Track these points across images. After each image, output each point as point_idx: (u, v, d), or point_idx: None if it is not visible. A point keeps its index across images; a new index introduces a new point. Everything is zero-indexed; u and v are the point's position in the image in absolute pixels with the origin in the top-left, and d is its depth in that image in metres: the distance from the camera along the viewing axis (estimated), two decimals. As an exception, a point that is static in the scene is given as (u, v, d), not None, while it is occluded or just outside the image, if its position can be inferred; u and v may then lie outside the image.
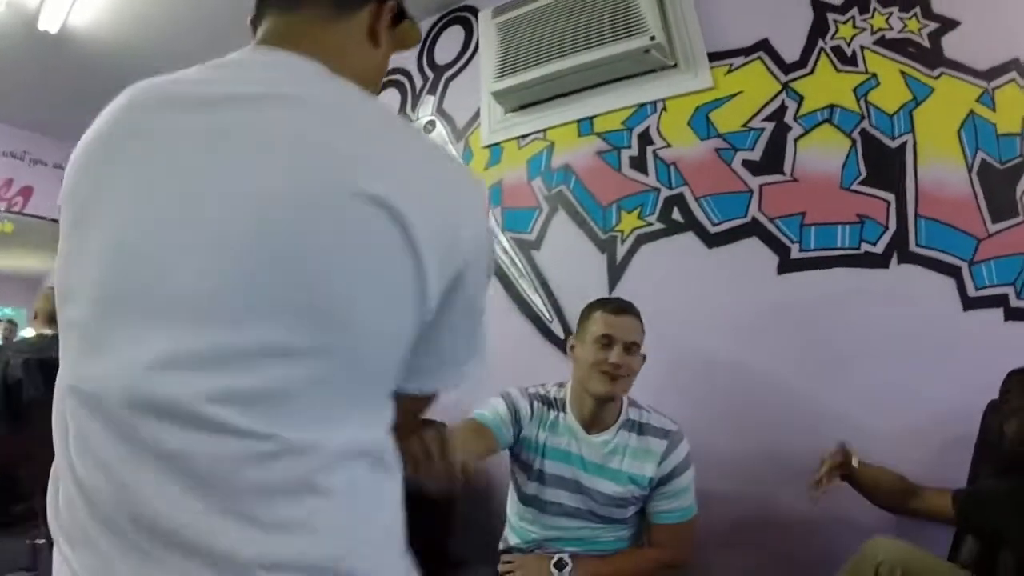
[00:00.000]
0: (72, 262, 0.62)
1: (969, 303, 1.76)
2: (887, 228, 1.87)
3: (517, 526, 1.80)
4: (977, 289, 1.77)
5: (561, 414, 1.76)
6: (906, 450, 1.71)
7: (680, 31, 2.10)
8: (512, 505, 1.83)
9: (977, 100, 1.81)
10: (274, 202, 0.56)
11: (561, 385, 1.80)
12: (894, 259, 1.85)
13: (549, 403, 1.77)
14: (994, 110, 1.79)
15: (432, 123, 2.59)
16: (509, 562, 1.69)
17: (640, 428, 1.73)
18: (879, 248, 1.87)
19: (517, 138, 2.40)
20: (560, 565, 1.63)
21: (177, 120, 0.62)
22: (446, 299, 0.62)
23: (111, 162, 0.63)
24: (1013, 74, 1.78)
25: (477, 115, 2.51)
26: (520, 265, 2.33)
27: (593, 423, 1.72)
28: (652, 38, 2.01)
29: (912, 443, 1.72)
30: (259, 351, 0.54)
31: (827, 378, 1.88)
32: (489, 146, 2.45)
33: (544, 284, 2.30)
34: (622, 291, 2.13)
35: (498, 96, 2.31)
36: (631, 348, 1.64)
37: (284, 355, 0.55)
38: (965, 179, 1.81)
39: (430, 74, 2.69)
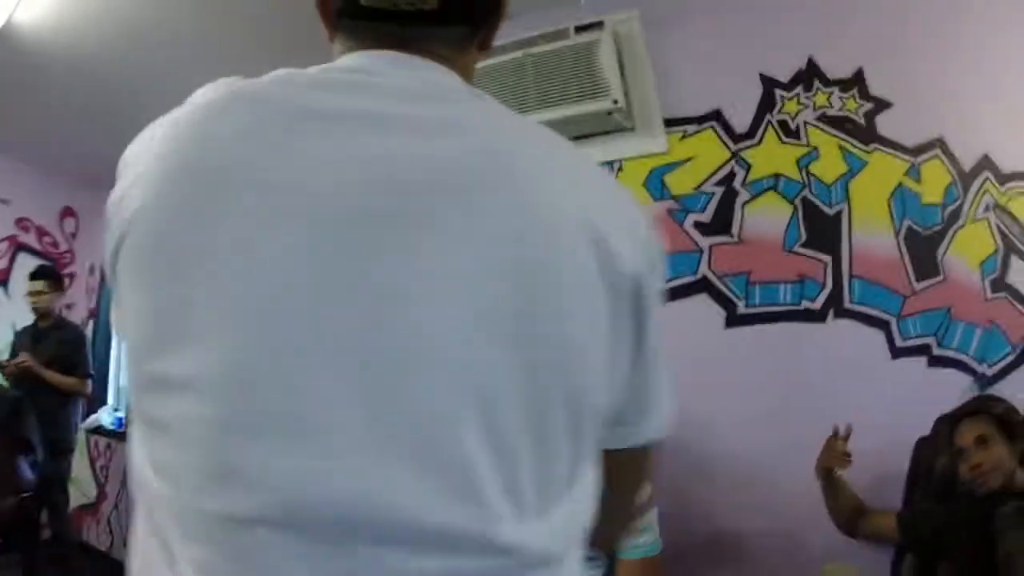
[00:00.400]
0: (176, 326, 0.46)
1: (897, 352, 1.95)
2: (824, 286, 2.04)
3: None
4: (903, 340, 1.98)
5: None
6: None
7: (638, 96, 2.23)
8: None
9: (905, 173, 2.00)
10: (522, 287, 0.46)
11: None
12: (831, 314, 2.03)
13: None
14: (920, 182, 1.99)
15: None
16: None
17: None
18: (817, 304, 2.04)
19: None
20: None
21: (331, 150, 0.47)
22: (639, 336, 0.53)
23: (235, 205, 0.47)
24: (937, 150, 1.98)
25: None
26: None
27: None
28: (615, 102, 2.14)
29: (849, 476, 1.87)
30: None
31: (770, 423, 2.03)
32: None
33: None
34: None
35: None
36: None
37: None
38: (893, 243, 2.00)
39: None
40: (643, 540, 1.80)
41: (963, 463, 1.55)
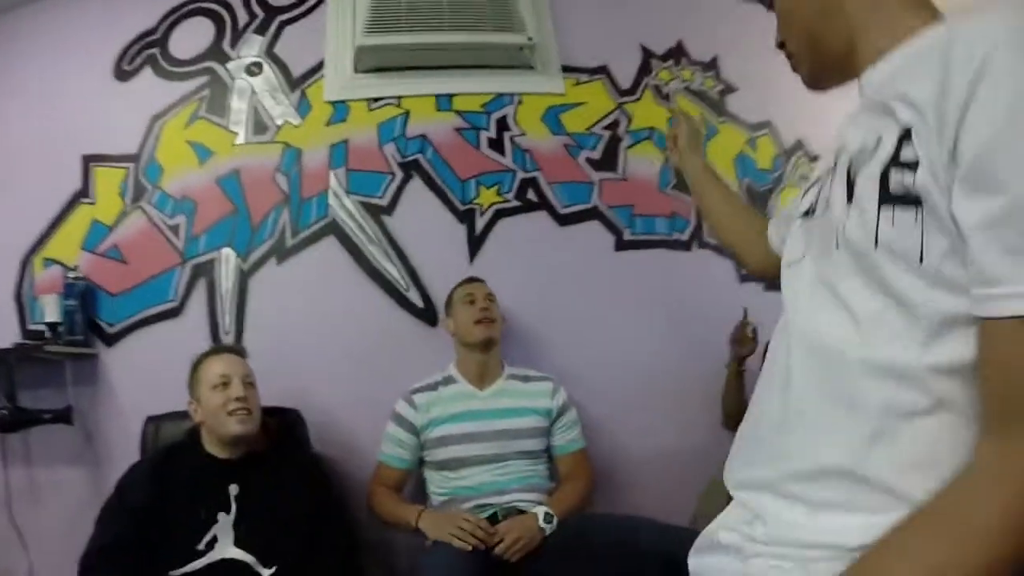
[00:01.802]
0: None
1: (742, 279, 2.36)
2: (690, 222, 2.40)
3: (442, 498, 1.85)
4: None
5: (450, 385, 1.94)
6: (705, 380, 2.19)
7: (542, 39, 2.39)
8: (432, 485, 1.89)
9: (746, 143, 2.51)
10: None
11: (443, 371, 1.98)
12: (695, 245, 2.38)
13: (432, 386, 1.94)
14: (755, 151, 2.50)
15: (258, 65, 2.30)
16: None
17: (524, 378, 1.98)
18: (685, 236, 2.38)
19: (368, 100, 2.30)
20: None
21: None
22: None
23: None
24: (767, 130, 2.53)
25: (320, 68, 2.31)
26: (370, 231, 2.20)
27: (482, 379, 1.94)
28: (530, 39, 2.26)
29: (704, 372, 2.20)
30: None
31: (652, 331, 2.29)
32: (333, 103, 2.30)
33: (399, 251, 2.21)
34: (482, 260, 2.24)
35: (362, 52, 2.20)
36: (490, 297, 1.97)
37: None
38: (737, 195, 2.46)
39: (259, 12, 2.37)
40: (574, 435, 1.95)
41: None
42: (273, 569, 1.52)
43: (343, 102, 2.30)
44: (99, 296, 2.14)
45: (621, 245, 2.33)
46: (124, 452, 1.92)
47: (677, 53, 2.54)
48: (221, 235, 2.18)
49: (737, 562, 0.69)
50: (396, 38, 2.22)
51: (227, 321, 2.14)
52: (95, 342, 2.13)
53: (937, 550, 0.50)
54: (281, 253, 2.18)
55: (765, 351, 0.85)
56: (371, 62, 2.29)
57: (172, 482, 1.58)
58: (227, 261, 2.17)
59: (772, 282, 0.88)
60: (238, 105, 2.26)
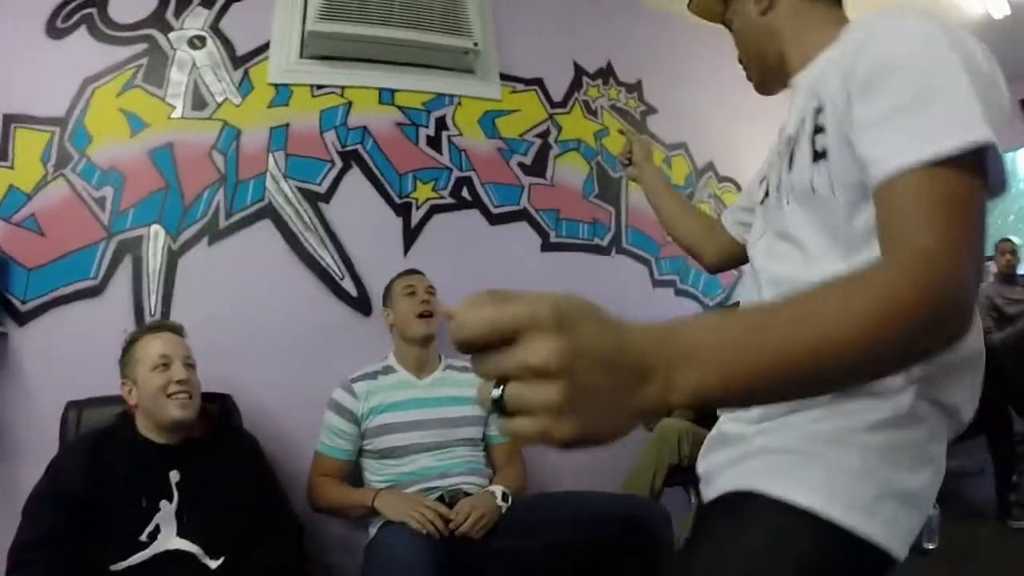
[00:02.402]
0: None
1: (656, 283, 2.61)
2: (610, 229, 2.61)
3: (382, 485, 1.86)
4: (660, 275, 2.68)
5: (390, 374, 1.99)
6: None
7: (485, 47, 2.50)
8: (371, 473, 1.91)
9: (663, 160, 2.75)
10: None
11: (382, 361, 2.02)
12: (614, 250, 2.60)
13: (371, 375, 1.97)
14: (671, 169, 2.76)
15: (201, 39, 2.25)
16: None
17: (462, 368, 2.05)
18: (605, 242, 2.59)
19: (311, 86, 2.33)
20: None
21: None
22: None
23: None
24: (682, 150, 2.79)
25: (265, 48, 2.31)
26: (306, 217, 2.23)
27: (421, 368, 2.00)
28: (475, 44, 2.37)
29: None
30: None
31: None
32: (277, 85, 2.30)
33: (335, 239, 2.25)
34: (417, 252, 2.32)
35: (311, 37, 2.23)
36: (430, 290, 2.04)
37: None
38: (688, 200, 2.70)
39: (205, -15, 2.35)
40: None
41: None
42: (221, 560, 1.46)
43: (286, 86, 2.31)
44: (12, 269, 1.98)
45: (547, 247, 2.50)
46: (36, 442, 1.79)
47: (606, 73, 2.75)
48: (150, 211, 2.12)
49: (742, 447, 0.80)
50: (347, 27, 2.26)
51: (153, 302, 2.08)
52: (5, 320, 1.94)
53: (815, 324, 0.50)
54: (214, 234, 2.16)
55: None
56: (318, 49, 2.32)
57: (109, 468, 1.46)
58: (156, 239, 2.11)
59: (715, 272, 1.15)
60: (177, 77, 2.21)
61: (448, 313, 0.43)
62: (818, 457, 0.71)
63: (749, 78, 1.03)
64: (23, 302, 1.99)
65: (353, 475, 1.98)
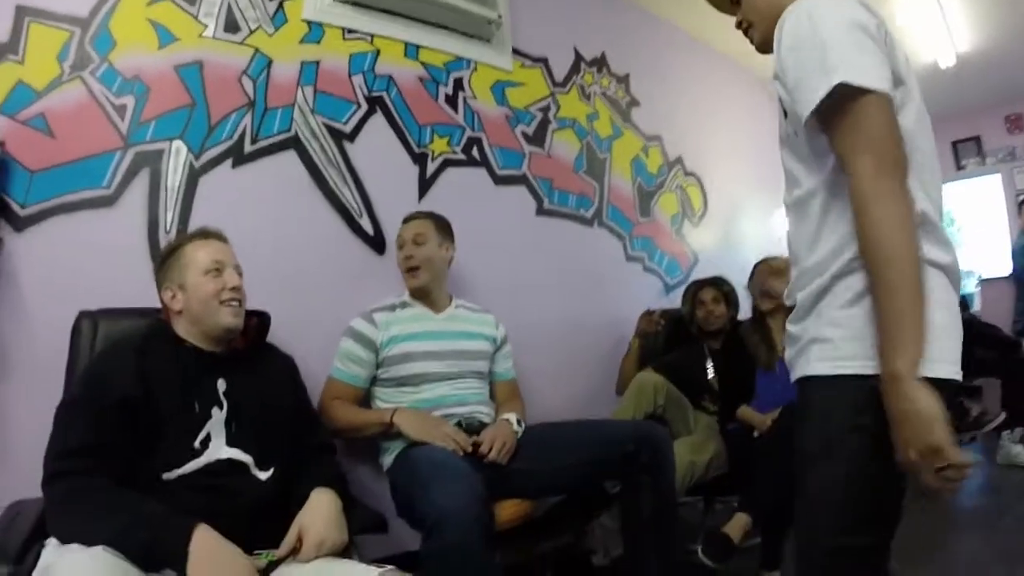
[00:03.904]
0: None
1: (628, 258, 2.91)
2: (594, 203, 2.88)
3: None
4: (632, 251, 3.01)
5: (407, 308, 2.08)
6: (596, 337, 2.68)
7: (503, 19, 2.67)
8: (383, 402, 1.97)
9: (641, 149, 3.06)
10: None
11: (399, 296, 2.12)
12: (596, 223, 2.87)
13: (390, 307, 2.06)
14: (647, 158, 3.07)
15: None
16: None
17: (471, 308, 2.20)
18: (589, 215, 2.87)
19: (343, 29, 2.37)
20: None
21: None
22: None
23: None
24: (657, 142, 3.11)
25: None
26: (331, 153, 2.27)
27: (435, 305, 2.11)
28: (499, 16, 2.53)
29: (597, 329, 2.71)
30: None
31: (564, 286, 2.72)
32: (310, 22, 2.31)
33: (356, 178, 2.31)
34: (429, 201, 2.45)
35: None
36: (417, 240, 2.07)
37: None
38: (631, 190, 3.01)
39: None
40: (510, 364, 2.22)
41: (700, 309, 2.55)
42: (271, 471, 1.43)
43: (319, 24, 2.33)
44: (12, 169, 1.82)
45: (541, 211, 2.73)
46: (37, 355, 1.71)
47: (600, 63, 3.01)
48: (174, 126, 2.06)
49: (799, 344, 1.06)
50: (382, -23, 2.33)
51: (169, 218, 2.02)
52: (1, 225, 1.79)
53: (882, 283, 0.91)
54: (238, 157, 2.15)
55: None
56: (353, -6, 2.36)
57: (160, 371, 1.39)
58: (177, 154, 2.06)
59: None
60: (211, -2, 2.17)
61: None
62: (829, 340, 0.99)
63: (751, 39, 1.24)
64: (23, 207, 1.82)
65: (363, 403, 2.04)
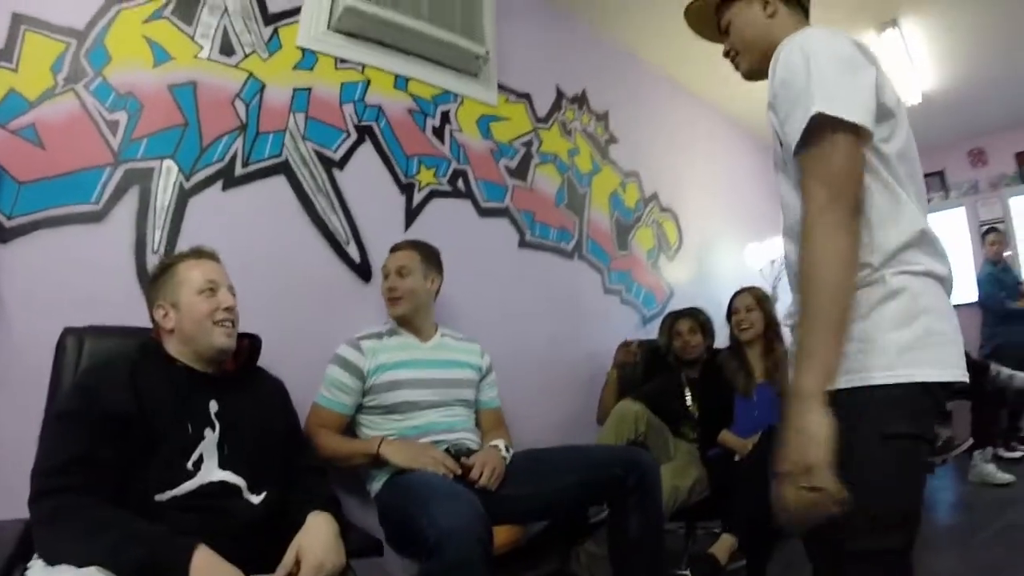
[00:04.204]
0: None
1: (606, 291, 2.98)
2: (574, 237, 2.95)
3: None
4: (610, 284, 3.05)
5: (394, 336, 2.09)
6: (575, 368, 2.70)
7: (490, 54, 2.76)
8: (370, 429, 1.97)
9: (619, 185, 3.16)
10: None
11: (386, 324, 2.13)
12: (576, 256, 2.94)
13: (377, 335, 2.07)
14: (625, 193, 3.18)
15: None
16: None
17: (456, 338, 2.22)
18: (569, 248, 2.94)
19: (335, 57, 2.41)
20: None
21: None
22: None
23: None
24: (635, 178, 3.22)
25: (296, 12, 2.35)
26: (320, 180, 2.29)
27: (421, 333, 2.12)
28: (487, 51, 2.61)
29: (574, 359, 2.75)
30: None
31: (544, 316, 2.77)
32: (304, 49, 2.35)
33: (344, 206, 2.33)
34: (415, 231, 2.48)
35: (346, 12, 2.32)
36: (401, 272, 2.09)
37: None
38: (609, 224, 3.10)
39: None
40: (495, 393, 2.25)
41: (677, 340, 2.61)
42: (263, 495, 1.40)
43: (313, 52, 2.37)
44: (1, 178, 1.80)
45: (523, 244, 2.79)
46: (16, 369, 1.66)
47: (581, 100, 3.12)
48: (165, 145, 2.06)
49: None
50: (379, 10, 2.38)
51: (157, 238, 2.00)
52: None
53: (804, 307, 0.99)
54: (229, 180, 2.15)
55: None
56: (348, 25, 2.41)
57: (153, 389, 1.36)
58: (168, 174, 2.05)
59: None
60: (208, 19, 2.18)
61: None
62: (843, 355, 0.99)
63: (736, 67, 1.29)
64: (9, 218, 1.79)
65: (348, 431, 2.02)
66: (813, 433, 0.90)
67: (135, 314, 1.69)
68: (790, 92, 1.02)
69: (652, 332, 2.97)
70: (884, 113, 1.03)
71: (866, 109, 0.98)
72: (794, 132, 1.00)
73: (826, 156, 0.97)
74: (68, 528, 1.14)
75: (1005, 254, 4.75)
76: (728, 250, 4.15)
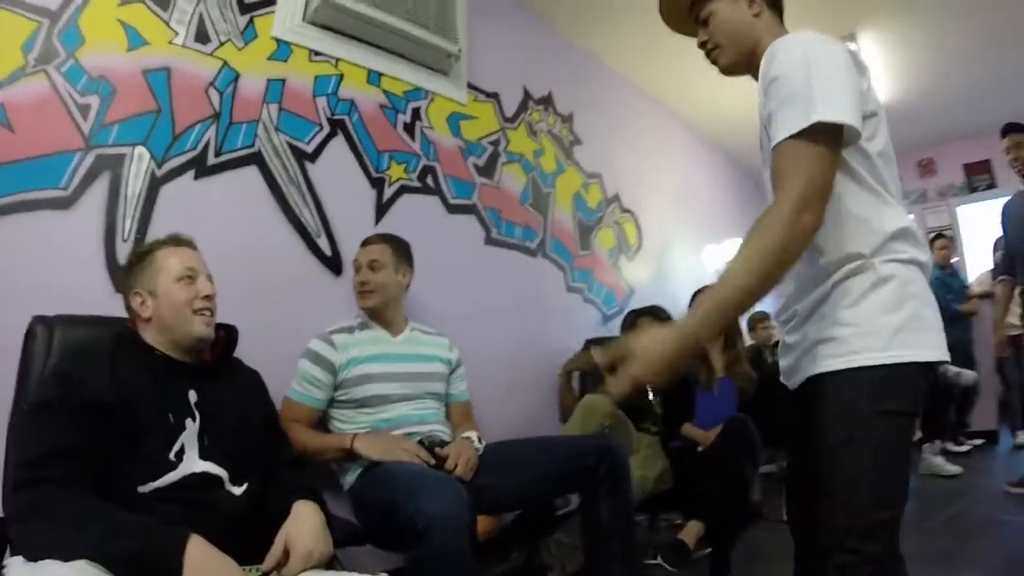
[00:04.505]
0: None
1: (568, 288, 3.07)
2: (538, 235, 3.04)
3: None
4: (572, 282, 3.19)
5: (365, 330, 2.11)
6: (539, 364, 2.80)
7: (462, 53, 2.81)
8: (342, 423, 1.99)
9: (581, 185, 3.26)
10: None
11: (357, 318, 2.15)
12: (540, 254, 3.02)
13: (348, 329, 2.08)
14: (587, 194, 3.28)
15: None
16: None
17: (425, 332, 2.26)
18: (533, 246, 3.01)
19: (310, 50, 2.41)
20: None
21: None
22: None
23: None
24: (597, 180, 3.34)
25: (273, 2, 2.34)
26: (292, 172, 2.30)
27: (391, 327, 2.15)
28: (459, 50, 2.67)
29: (538, 356, 2.82)
30: None
31: (508, 313, 2.84)
32: (279, 40, 2.34)
33: (316, 198, 2.35)
34: (385, 225, 2.51)
35: (323, 4, 2.34)
36: (373, 265, 2.12)
37: None
38: (572, 223, 3.20)
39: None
40: (464, 387, 2.29)
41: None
42: (244, 486, 1.39)
43: (288, 43, 2.37)
44: None
45: (489, 240, 2.86)
46: None
47: (548, 102, 3.20)
48: (137, 131, 2.02)
49: (800, 348, 1.18)
50: (354, 5, 2.40)
51: (127, 225, 1.97)
52: None
53: (735, 269, 1.02)
54: (201, 169, 2.14)
55: None
56: (323, 17, 2.42)
57: (133, 377, 1.33)
58: (139, 160, 2.02)
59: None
60: (184, 5, 2.15)
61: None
62: (837, 339, 1.10)
63: (713, 62, 1.30)
64: None
65: (320, 425, 2.04)
66: (659, 350, 1.02)
67: (104, 304, 1.69)
68: (783, 89, 1.06)
69: (613, 330, 3.10)
70: (869, 113, 1.11)
71: (858, 115, 1.05)
72: (783, 127, 1.04)
73: (813, 156, 1.02)
74: (51, 521, 1.11)
75: (952, 260, 5.03)
76: (686, 251, 4.32)
